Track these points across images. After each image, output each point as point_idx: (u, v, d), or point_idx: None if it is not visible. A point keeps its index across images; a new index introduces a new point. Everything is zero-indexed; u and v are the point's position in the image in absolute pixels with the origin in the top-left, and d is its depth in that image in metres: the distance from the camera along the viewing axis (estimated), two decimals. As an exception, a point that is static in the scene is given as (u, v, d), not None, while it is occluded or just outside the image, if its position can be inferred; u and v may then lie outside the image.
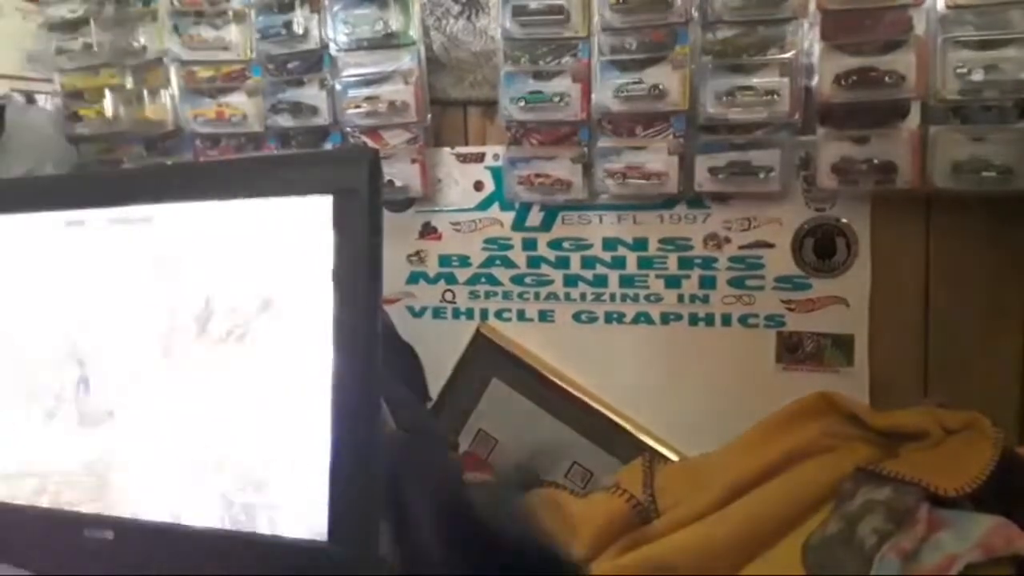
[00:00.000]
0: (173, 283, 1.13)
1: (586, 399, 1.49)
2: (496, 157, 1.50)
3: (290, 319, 1.04)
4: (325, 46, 1.54)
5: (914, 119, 1.25)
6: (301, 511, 1.02)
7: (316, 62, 1.55)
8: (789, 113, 1.30)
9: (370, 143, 1.53)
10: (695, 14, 1.33)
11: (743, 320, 1.41)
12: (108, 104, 1.70)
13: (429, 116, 1.51)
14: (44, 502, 1.18)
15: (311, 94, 1.56)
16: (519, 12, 1.41)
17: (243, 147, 1.64)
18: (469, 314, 1.56)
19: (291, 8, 1.54)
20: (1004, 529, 0.95)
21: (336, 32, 1.52)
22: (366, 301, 1.00)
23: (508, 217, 1.51)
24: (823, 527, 1.04)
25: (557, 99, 1.41)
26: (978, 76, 1.20)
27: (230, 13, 1.59)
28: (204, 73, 1.63)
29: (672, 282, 1.44)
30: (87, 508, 1.15)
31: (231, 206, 1.11)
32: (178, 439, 1.10)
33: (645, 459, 1.32)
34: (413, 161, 1.52)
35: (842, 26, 1.26)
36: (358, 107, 1.53)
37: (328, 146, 1.58)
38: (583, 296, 1.50)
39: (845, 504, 1.04)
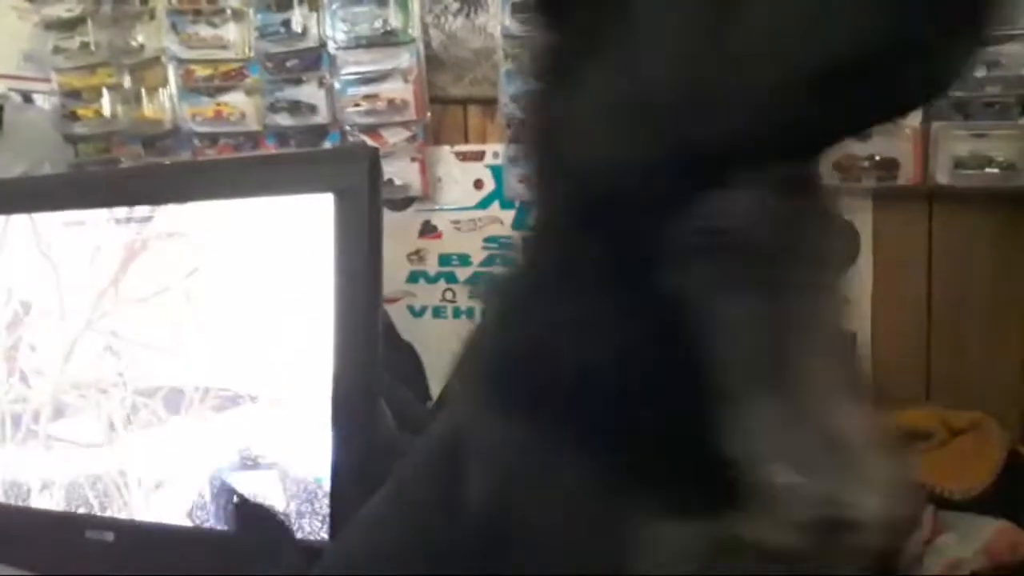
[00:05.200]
0: (173, 281, 1.12)
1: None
2: (496, 155, 1.50)
3: (290, 318, 1.04)
4: (324, 44, 1.53)
5: (916, 115, 1.24)
6: (301, 510, 1.01)
7: (315, 60, 1.55)
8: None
9: (369, 142, 1.53)
10: (695, 11, 1.32)
11: (745, 318, 1.40)
12: (106, 103, 1.69)
13: (429, 114, 1.50)
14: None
15: (310, 92, 1.56)
16: (518, 9, 1.40)
17: (241, 146, 1.63)
18: (470, 313, 1.55)
19: (290, 6, 1.54)
20: (1008, 534, 0.95)
21: (335, 30, 1.52)
22: (366, 300, 1.00)
23: (509, 215, 1.51)
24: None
25: (557, 97, 1.41)
26: (980, 72, 1.19)
27: (228, 11, 1.58)
28: (202, 72, 1.63)
29: (673, 280, 1.43)
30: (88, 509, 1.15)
31: (231, 205, 1.10)
32: (177, 438, 1.10)
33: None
34: (413, 160, 1.52)
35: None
36: (357, 105, 1.52)
37: (327, 145, 1.57)
38: (584, 294, 1.49)
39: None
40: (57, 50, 1.70)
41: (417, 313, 1.56)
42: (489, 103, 1.49)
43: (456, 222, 1.53)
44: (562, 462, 0.54)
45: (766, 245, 0.52)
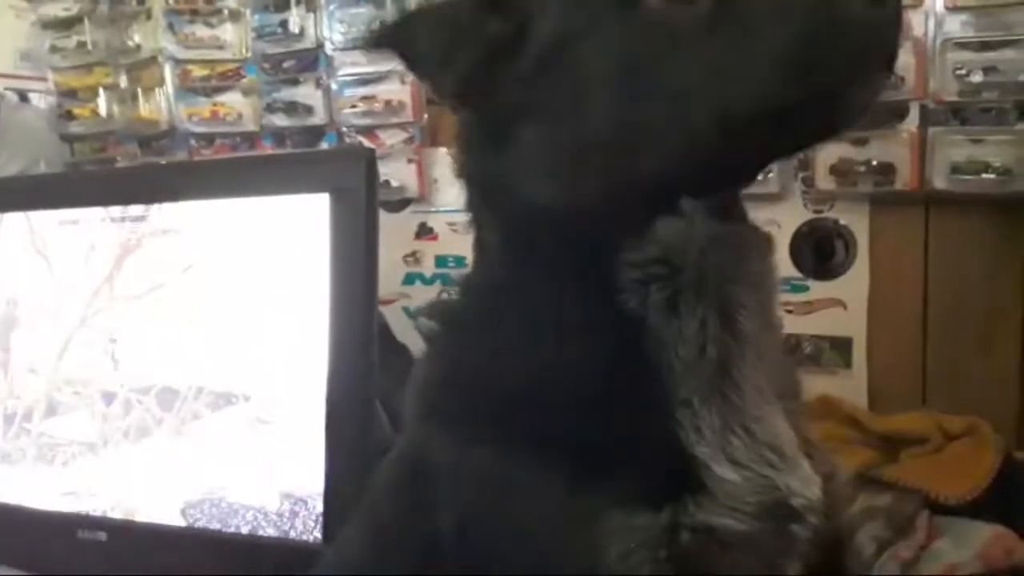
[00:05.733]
0: (169, 280, 1.12)
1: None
2: (493, 157, 1.49)
3: (285, 318, 1.04)
4: (321, 45, 1.53)
5: (913, 120, 1.24)
6: (295, 510, 1.01)
7: (312, 61, 1.55)
8: (788, 114, 1.29)
9: (366, 143, 1.52)
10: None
11: (740, 322, 1.39)
12: (102, 103, 1.69)
13: (425, 116, 1.50)
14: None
15: (307, 93, 1.56)
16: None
17: (238, 147, 1.63)
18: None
19: (287, 7, 1.54)
20: (1004, 539, 0.94)
21: (332, 31, 1.52)
22: (362, 301, 1.00)
23: (505, 218, 1.50)
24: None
25: (554, 99, 1.40)
26: (977, 77, 1.19)
27: (225, 12, 1.59)
28: (199, 72, 1.63)
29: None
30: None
31: (227, 205, 1.10)
32: (172, 437, 1.10)
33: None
34: (409, 161, 1.52)
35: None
36: (354, 107, 1.52)
37: (323, 146, 1.57)
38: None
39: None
40: (54, 49, 1.70)
41: (413, 315, 1.56)
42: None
43: (452, 224, 1.53)
44: (528, 470, 0.58)
45: (709, 267, 0.58)
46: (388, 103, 1.50)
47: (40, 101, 1.75)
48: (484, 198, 0.64)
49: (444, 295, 0.71)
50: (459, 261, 1.53)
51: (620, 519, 0.55)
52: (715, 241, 0.57)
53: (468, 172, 0.65)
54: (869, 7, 0.51)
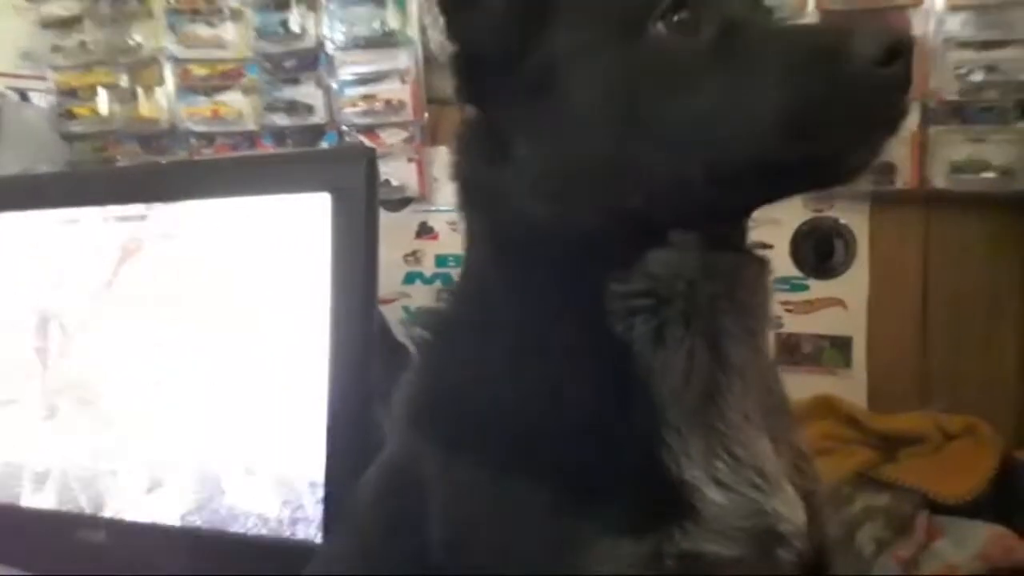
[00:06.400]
0: (169, 279, 1.12)
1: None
2: (493, 156, 1.49)
3: (285, 317, 1.04)
4: (322, 44, 1.53)
5: (913, 119, 1.24)
6: (296, 510, 1.01)
7: (312, 60, 1.55)
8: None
9: (367, 142, 1.52)
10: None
11: (741, 321, 1.39)
12: (102, 102, 1.69)
13: (426, 115, 1.50)
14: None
15: (307, 93, 1.55)
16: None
17: (238, 146, 1.63)
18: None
19: (288, 6, 1.54)
20: (1003, 539, 0.95)
21: (333, 30, 1.52)
22: (362, 300, 1.00)
23: (505, 217, 1.50)
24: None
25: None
26: (977, 76, 1.19)
27: (226, 11, 1.58)
28: (199, 71, 1.62)
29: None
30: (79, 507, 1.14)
31: (227, 204, 1.10)
32: (172, 438, 1.10)
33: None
34: (410, 160, 1.52)
35: (841, 26, 1.25)
36: (355, 106, 1.52)
37: (323, 145, 1.57)
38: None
39: (843, 510, 1.03)
40: (54, 48, 1.70)
41: (411, 316, 1.56)
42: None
43: (453, 223, 1.52)
44: (515, 492, 0.58)
45: (699, 298, 0.57)
46: (388, 102, 1.50)
47: (41, 100, 1.74)
48: (476, 205, 0.64)
49: (442, 295, 0.69)
50: (459, 260, 1.51)
51: (605, 546, 0.55)
52: (706, 271, 0.57)
53: (463, 176, 0.64)
54: (878, 66, 0.48)
